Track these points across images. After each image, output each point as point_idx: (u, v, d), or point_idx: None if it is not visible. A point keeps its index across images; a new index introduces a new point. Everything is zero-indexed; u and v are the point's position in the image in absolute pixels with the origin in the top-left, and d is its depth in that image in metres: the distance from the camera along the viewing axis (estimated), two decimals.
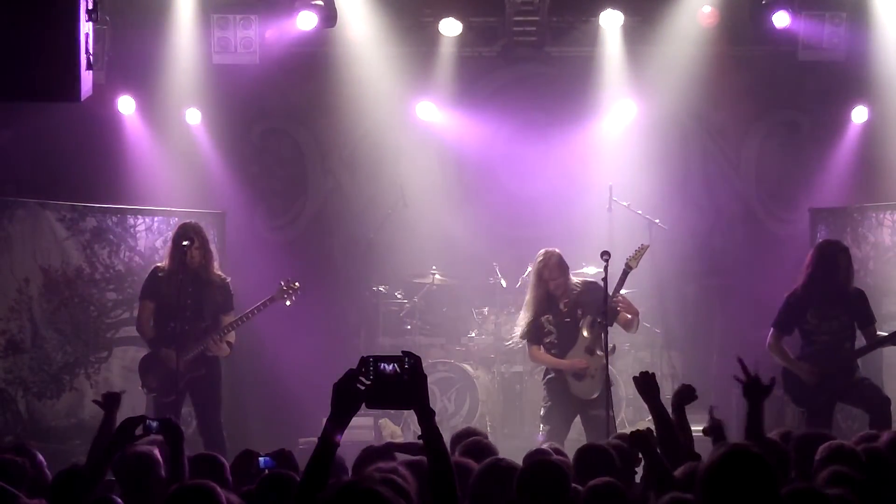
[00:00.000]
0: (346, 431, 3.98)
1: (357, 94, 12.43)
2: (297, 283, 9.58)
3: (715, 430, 5.98)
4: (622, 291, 9.16)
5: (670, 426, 5.76)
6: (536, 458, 4.99)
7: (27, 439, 9.64)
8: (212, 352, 9.39)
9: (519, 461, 5.05)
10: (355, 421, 12.64)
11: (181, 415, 9.49)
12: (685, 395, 6.12)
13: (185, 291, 9.19)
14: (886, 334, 8.84)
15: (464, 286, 12.33)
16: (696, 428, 6.30)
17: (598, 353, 8.89)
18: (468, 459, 5.26)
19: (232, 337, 9.51)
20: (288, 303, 9.57)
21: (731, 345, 12.16)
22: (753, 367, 5.83)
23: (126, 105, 11.96)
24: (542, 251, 9.24)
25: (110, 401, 6.12)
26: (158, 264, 9.67)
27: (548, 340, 9.11)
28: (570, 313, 9.09)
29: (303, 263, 11.26)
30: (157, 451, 5.61)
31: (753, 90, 12.30)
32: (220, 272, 9.54)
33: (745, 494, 3.91)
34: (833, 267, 8.81)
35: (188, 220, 9.74)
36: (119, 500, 5.03)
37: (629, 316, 9.05)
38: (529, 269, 11.61)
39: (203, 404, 9.41)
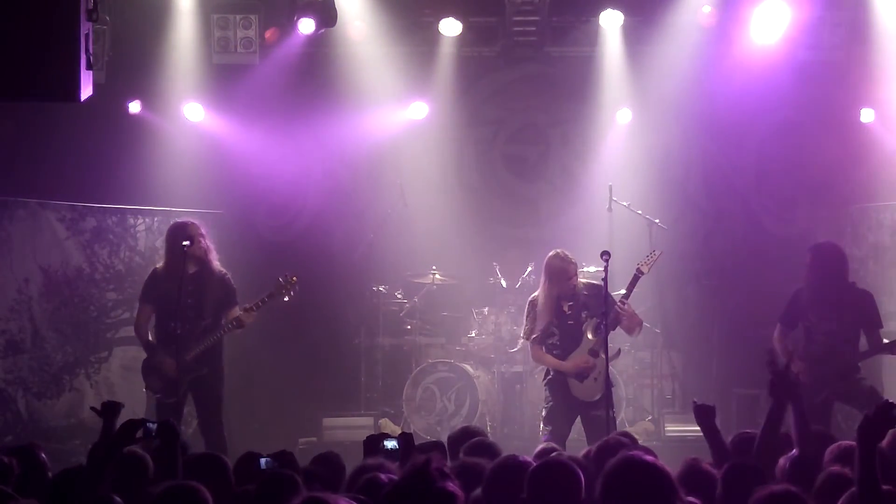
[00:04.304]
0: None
1: (357, 94, 12.44)
2: (294, 278, 9.48)
3: (703, 417, 5.94)
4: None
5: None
6: (549, 457, 4.97)
7: (27, 439, 9.65)
8: (242, 323, 9.29)
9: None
10: (355, 421, 12.64)
11: (183, 415, 9.46)
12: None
13: (185, 291, 9.17)
14: (889, 342, 8.80)
15: (464, 286, 12.34)
16: (697, 428, 6.28)
17: (602, 356, 8.87)
18: (477, 459, 5.27)
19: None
20: (286, 298, 9.46)
21: (731, 345, 12.21)
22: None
23: (133, 107, 11.96)
24: (553, 253, 9.14)
25: (109, 410, 6.07)
26: (157, 266, 9.60)
27: (550, 342, 9.08)
28: (575, 316, 9.06)
29: (303, 263, 11.25)
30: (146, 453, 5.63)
31: (753, 90, 12.29)
32: (219, 267, 9.48)
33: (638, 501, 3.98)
34: (825, 269, 8.80)
35: (181, 220, 9.65)
36: (119, 499, 5.03)
37: (628, 324, 9.05)
38: (529, 268, 11.68)
39: (205, 404, 9.36)
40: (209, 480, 4.92)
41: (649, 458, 4.14)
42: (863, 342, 8.86)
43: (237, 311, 9.31)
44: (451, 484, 3.56)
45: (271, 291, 9.40)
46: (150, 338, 9.36)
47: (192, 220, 9.52)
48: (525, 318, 9.26)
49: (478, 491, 4.70)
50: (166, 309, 9.22)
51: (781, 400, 5.50)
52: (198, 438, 9.42)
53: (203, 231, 9.40)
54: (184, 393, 9.25)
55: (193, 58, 11.83)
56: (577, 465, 4.71)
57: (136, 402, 10.96)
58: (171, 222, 9.77)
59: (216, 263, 9.42)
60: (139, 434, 5.52)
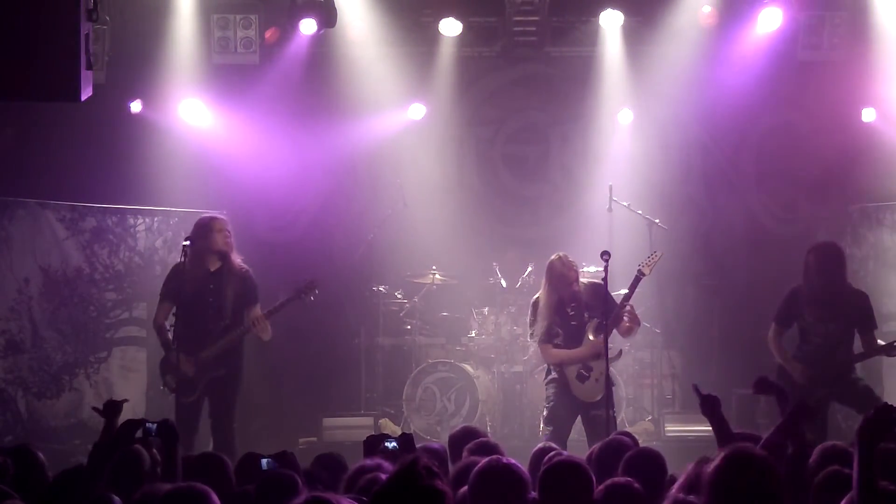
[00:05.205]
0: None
1: (357, 94, 12.44)
2: (313, 281, 9.41)
3: (710, 407, 5.87)
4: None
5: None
6: (560, 457, 4.98)
7: (27, 439, 9.65)
8: (258, 335, 9.28)
9: (519, 461, 5.04)
10: (355, 421, 12.62)
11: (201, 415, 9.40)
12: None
13: (206, 289, 9.14)
14: (884, 344, 8.79)
15: (464, 286, 12.34)
16: (697, 428, 6.26)
17: (603, 357, 8.88)
18: (477, 457, 5.27)
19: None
20: (306, 301, 9.40)
21: (731, 345, 12.20)
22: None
23: (134, 107, 11.95)
24: (556, 256, 9.17)
25: (111, 409, 6.06)
26: (180, 260, 9.29)
27: (555, 341, 9.11)
28: (577, 316, 9.09)
29: (303, 264, 11.25)
30: (142, 449, 5.64)
31: (753, 90, 12.29)
32: (240, 263, 9.35)
33: (750, 497, 3.94)
34: (824, 270, 8.76)
35: (207, 214, 9.56)
36: (117, 499, 5.03)
37: (629, 324, 9.07)
38: (529, 269, 11.69)
39: (218, 405, 9.27)
40: (209, 480, 4.92)
41: (761, 453, 4.14)
42: (857, 343, 8.86)
43: (258, 311, 9.26)
44: (439, 482, 3.57)
45: (290, 296, 9.37)
46: (169, 336, 9.27)
47: (217, 216, 9.45)
48: (529, 318, 9.31)
49: (464, 488, 4.71)
50: (187, 306, 9.13)
51: (800, 419, 5.50)
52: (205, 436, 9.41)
53: (229, 227, 9.33)
54: (201, 392, 9.21)
55: (193, 58, 11.82)
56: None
57: (135, 402, 10.99)
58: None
59: (238, 260, 9.34)
60: (139, 434, 5.53)
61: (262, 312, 9.25)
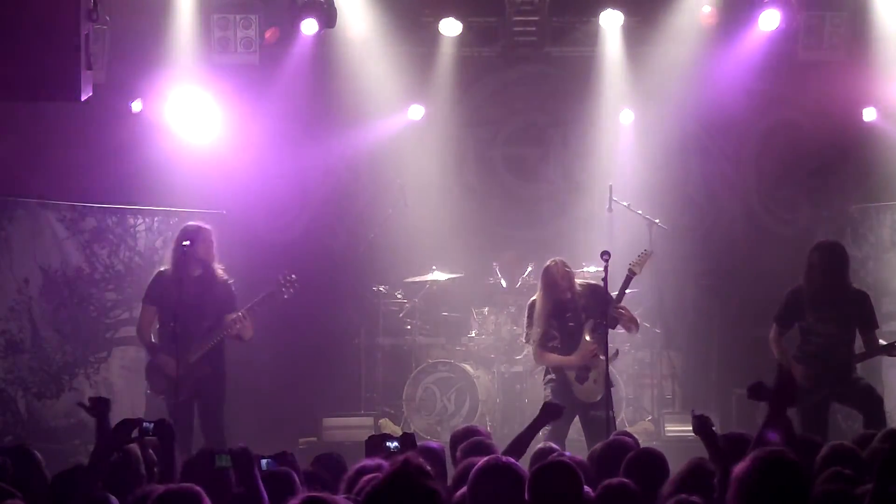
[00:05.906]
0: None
1: (357, 94, 12.44)
2: (293, 276, 9.57)
3: (702, 427, 5.86)
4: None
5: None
6: (550, 458, 4.98)
7: (26, 439, 9.64)
8: (240, 334, 9.35)
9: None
10: (355, 421, 12.59)
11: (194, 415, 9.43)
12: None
13: (189, 293, 9.19)
14: (885, 343, 8.78)
15: (464, 286, 12.34)
16: (689, 428, 6.25)
17: (601, 357, 8.89)
18: (476, 458, 5.27)
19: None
20: (286, 296, 9.53)
21: (731, 345, 12.20)
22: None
23: (135, 106, 11.94)
24: (552, 262, 9.18)
25: (100, 406, 6.05)
26: (161, 269, 9.61)
27: (551, 344, 9.11)
28: (574, 318, 9.09)
29: (303, 263, 11.24)
30: (138, 449, 5.65)
31: (753, 90, 12.29)
32: (223, 274, 9.51)
33: (778, 498, 3.98)
34: (828, 269, 8.76)
35: (194, 223, 9.70)
36: (114, 499, 5.03)
37: (625, 326, 9.10)
38: (529, 269, 11.70)
39: (207, 403, 9.37)
40: (208, 480, 4.92)
41: (791, 454, 4.14)
42: (858, 343, 8.85)
43: (234, 315, 9.35)
44: (431, 481, 3.58)
45: (271, 290, 9.48)
46: (152, 339, 9.38)
47: (205, 226, 9.53)
48: (525, 320, 9.31)
49: (463, 489, 4.71)
50: (170, 310, 9.22)
51: (784, 406, 5.51)
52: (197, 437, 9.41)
53: (213, 238, 9.43)
54: (190, 393, 9.24)
55: (193, 58, 11.82)
56: (577, 466, 4.72)
57: (135, 403, 11.00)
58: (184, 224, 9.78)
59: (220, 270, 9.47)
60: (135, 433, 5.53)
61: (241, 311, 9.33)
